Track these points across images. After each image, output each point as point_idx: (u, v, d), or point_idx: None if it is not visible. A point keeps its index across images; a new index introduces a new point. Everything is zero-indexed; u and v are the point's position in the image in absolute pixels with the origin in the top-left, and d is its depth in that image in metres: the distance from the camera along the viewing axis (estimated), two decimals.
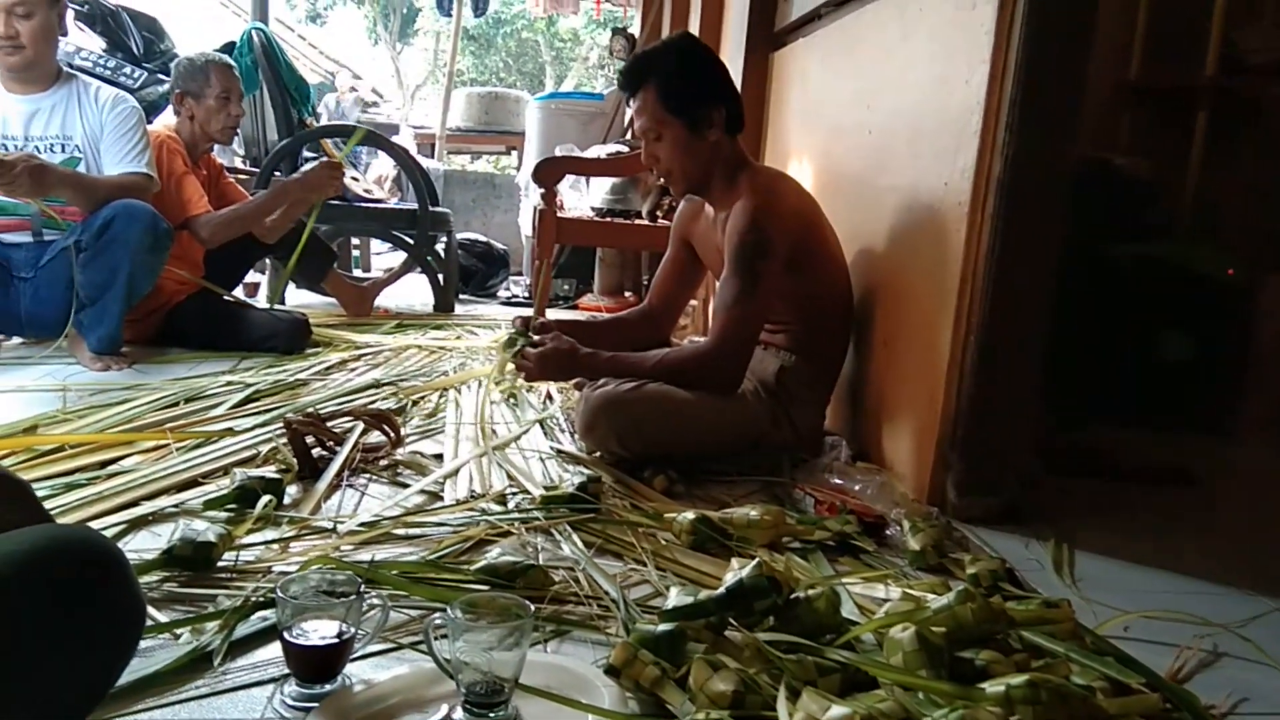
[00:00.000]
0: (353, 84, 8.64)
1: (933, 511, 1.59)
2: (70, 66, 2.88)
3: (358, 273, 5.19)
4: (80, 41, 4.21)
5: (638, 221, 3.77)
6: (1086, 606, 1.32)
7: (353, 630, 0.99)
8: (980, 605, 1.09)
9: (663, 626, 1.06)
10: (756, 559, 1.14)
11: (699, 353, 1.86)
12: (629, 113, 5.02)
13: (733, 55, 3.13)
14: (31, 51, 2.45)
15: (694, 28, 3.95)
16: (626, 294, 4.68)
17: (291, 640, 0.96)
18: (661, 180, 2.03)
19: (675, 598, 1.12)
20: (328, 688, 0.98)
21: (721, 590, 1.10)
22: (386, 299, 3.99)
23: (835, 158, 2.36)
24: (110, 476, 1.58)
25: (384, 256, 6.09)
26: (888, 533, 1.55)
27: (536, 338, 1.93)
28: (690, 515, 1.46)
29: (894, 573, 1.38)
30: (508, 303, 4.68)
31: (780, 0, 2.90)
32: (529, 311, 3.63)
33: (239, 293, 3.33)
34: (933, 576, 1.40)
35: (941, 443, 1.67)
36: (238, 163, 4.48)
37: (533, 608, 1.01)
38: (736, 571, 1.15)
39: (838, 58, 2.40)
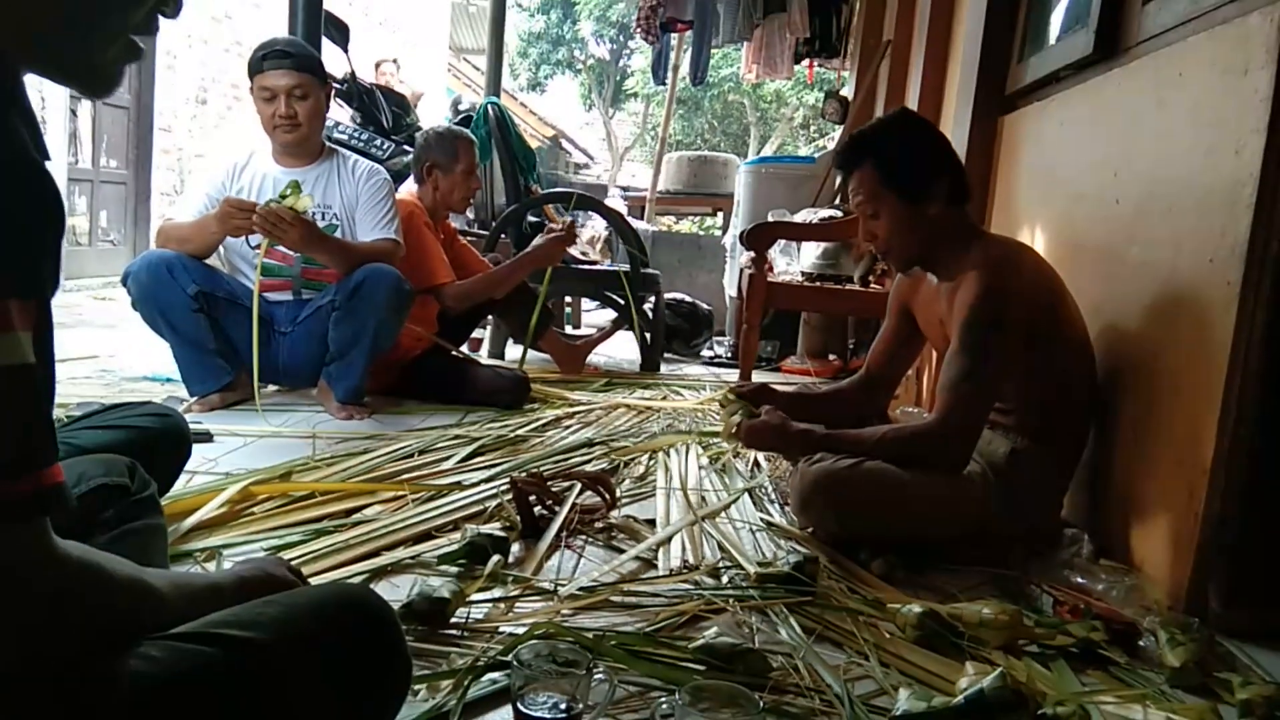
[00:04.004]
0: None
1: (1193, 622, 1.43)
2: (329, 139, 3.18)
3: (568, 329, 5.39)
4: (338, 116, 4.67)
5: (849, 287, 3.71)
6: None
7: (581, 705, 1.00)
8: None
9: None
10: (999, 668, 1.06)
11: (921, 431, 1.78)
12: (840, 177, 4.98)
13: (958, 119, 3.04)
14: (306, 129, 2.73)
15: (914, 90, 3.88)
16: (831, 357, 4.60)
17: (525, 711, 0.98)
18: (881, 255, 1.98)
19: (906, 701, 1.06)
20: None
21: (960, 699, 1.03)
22: (596, 356, 4.11)
23: (1075, 227, 2.23)
24: (354, 525, 1.69)
25: (593, 313, 6.30)
26: (1140, 643, 1.40)
27: (756, 409, 1.92)
28: (917, 608, 1.38)
29: (1151, 692, 1.24)
30: (710, 362, 4.71)
31: (1014, 62, 2.79)
32: (734, 374, 3.66)
33: (464, 349, 3.54)
34: (1196, 699, 1.26)
35: (1203, 544, 1.51)
36: (466, 226, 4.79)
37: (758, 698, 0.99)
38: (974, 678, 1.08)
39: (1079, 122, 2.28)
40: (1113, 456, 1.85)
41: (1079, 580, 1.58)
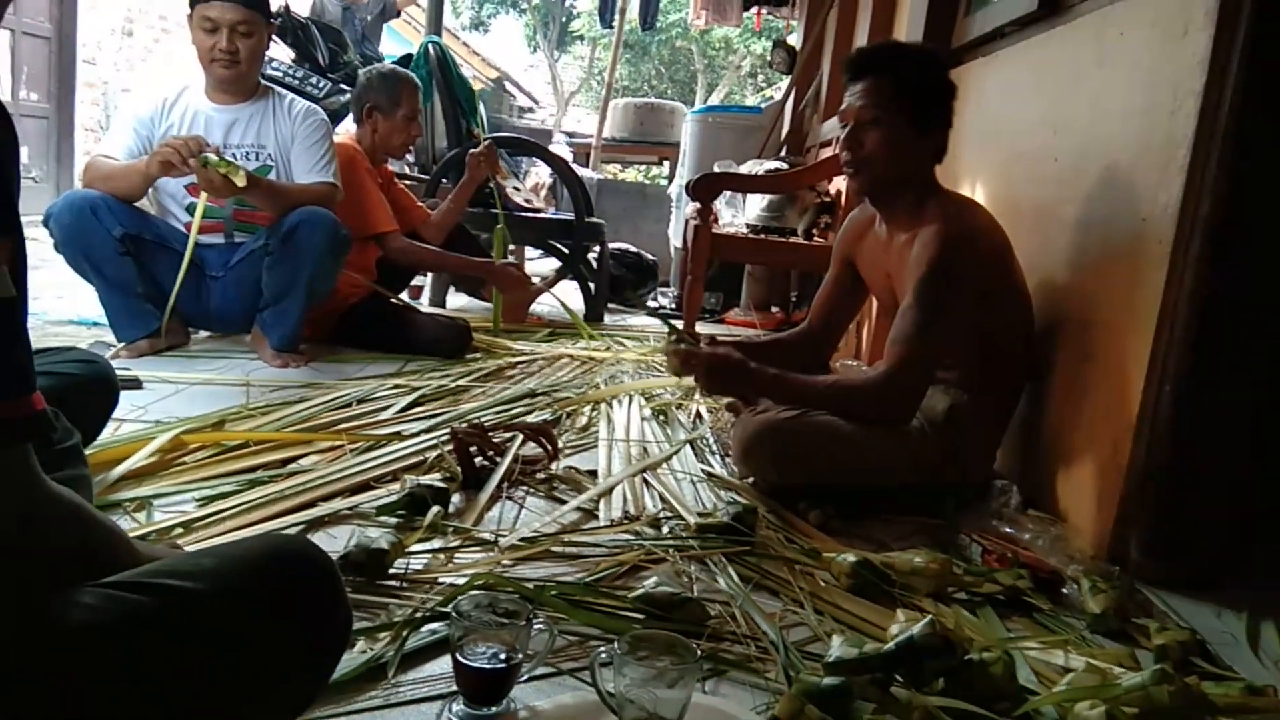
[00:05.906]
0: None
1: (1114, 571, 1.48)
2: (263, 76, 3.07)
3: None
4: (271, 52, 4.49)
5: (793, 240, 3.72)
6: None
7: (520, 655, 1.00)
8: (1179, 688, 1.01)
9: (829, 679, 1.02)
10: (929, 616, 1.09)
11: (869, 383, 1.79)
12: (786, 128, 4.96)
13: None
14: (245, 67, 2.63)
15: (862, 41, 3.86)
16: (774, 309, 4.63)
17: (464, 661, 0.98)
18: (848, 172, 1.90)
19: (839, 648, 1.08)
20: (494, 710, 1.00)
21: (890, 646, 1.06)
22: (539, 306, 4.08)
23: (1014, 184, 2.25)
24: (290, 475, 1.66)
25: (536, 262, 6.23)
26: (1064, 591, 1.45)
27: (703, 343, 1.92)
28: (851, 557, 1.41)
29: (1072, 637, 1.29)
30: (655, 313, 4.70)
31: (960, 16, 2.79)
32: (678, 324, 3.66)
33: (404, 296, 3.48)
34: (1114, 644, 1.31)
35: (1126, 497, 1.56)
36: (405, 169, 4.67)
37: (695, 646, 1.00)
38: (904, 626, 1.11)
39: (1021, 79, 2.29)
40: (1044, 410, 1.89)
41: (1007, 530, 1.63)
